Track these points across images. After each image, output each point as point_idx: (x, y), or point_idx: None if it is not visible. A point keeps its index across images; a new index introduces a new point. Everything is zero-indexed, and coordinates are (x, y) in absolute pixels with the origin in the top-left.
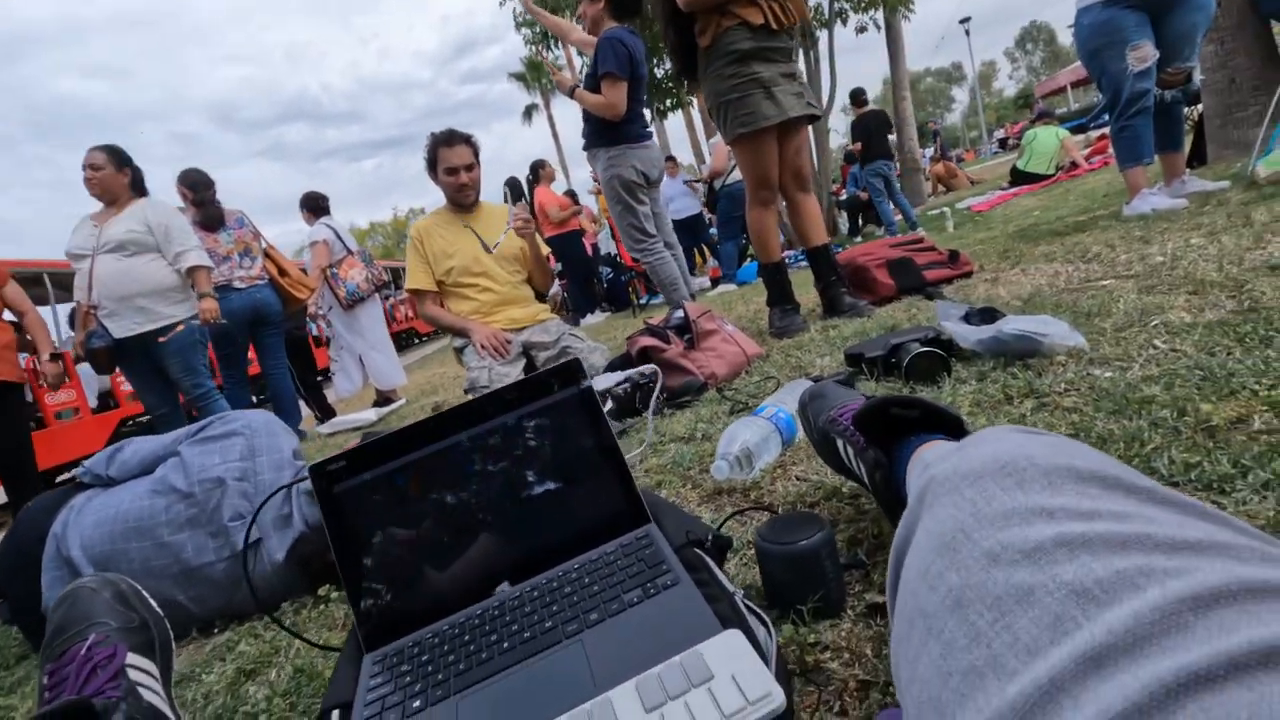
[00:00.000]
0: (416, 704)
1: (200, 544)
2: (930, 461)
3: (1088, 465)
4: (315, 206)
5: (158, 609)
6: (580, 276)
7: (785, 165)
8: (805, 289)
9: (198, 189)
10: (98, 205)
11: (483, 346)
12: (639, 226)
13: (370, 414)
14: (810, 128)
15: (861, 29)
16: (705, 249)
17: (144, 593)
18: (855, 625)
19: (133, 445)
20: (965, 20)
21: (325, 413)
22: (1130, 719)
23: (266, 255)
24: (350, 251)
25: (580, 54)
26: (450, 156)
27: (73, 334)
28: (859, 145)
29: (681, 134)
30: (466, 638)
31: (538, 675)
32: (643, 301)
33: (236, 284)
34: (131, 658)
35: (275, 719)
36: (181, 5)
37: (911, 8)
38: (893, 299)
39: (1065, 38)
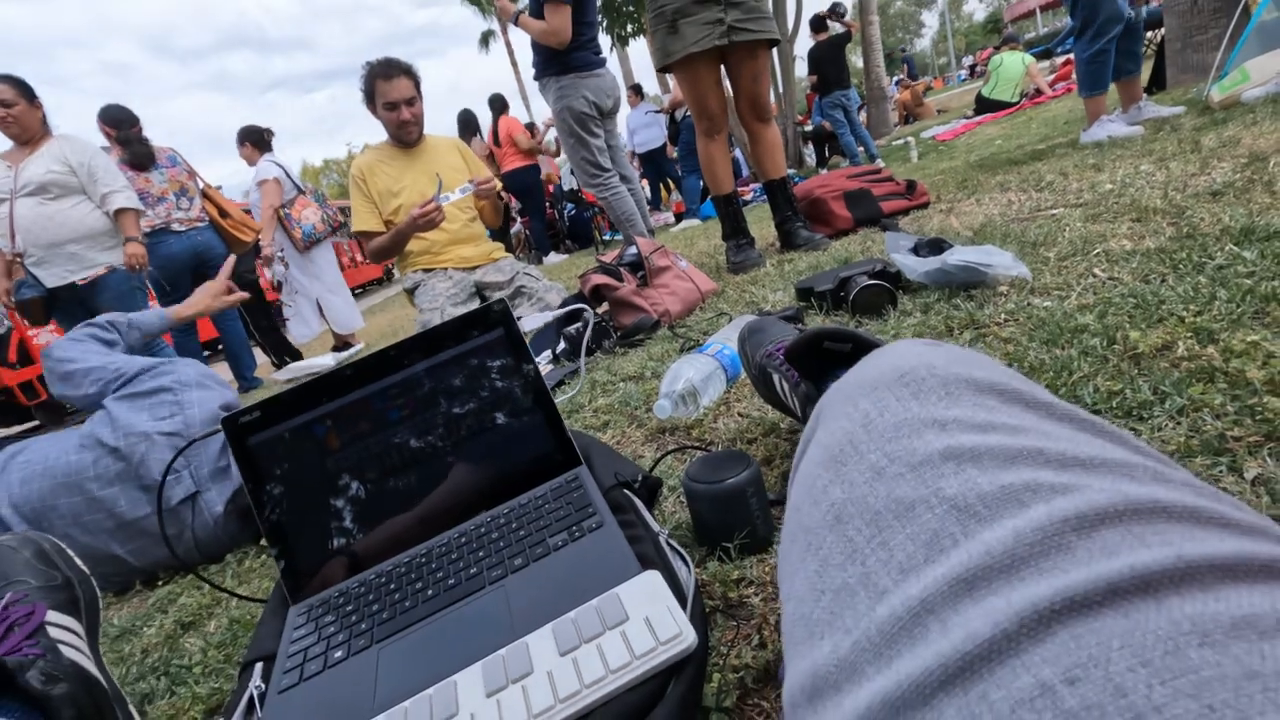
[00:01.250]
0: (339, 654)
1: (133, 498)
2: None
3: (987, 377)
4: (259, 140)
5: (83, 566)
6: (541, 212)
7: (741, 92)
8: (765, 223)
9: (121, 125)
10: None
11: (415, 218)
12: (592, 160)
13: (328, 359)
14: (774, 53)
15: None
16: (670, 182)
17: (68, 550)
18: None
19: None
20: None
21: (285, 356)
22: (998, 645)
23: (205, 196)
24: (301, 190)
25: None
26: (389, 90)
27: None
28: (814, 76)
29: (645, 62)
30: (392, 586)
31: (459, 622)
32: (606, 238)
33: (175, 226)
34: (52, 615)
35: (209, 670)
36: None
37: None
38: (849, 232)
39: None
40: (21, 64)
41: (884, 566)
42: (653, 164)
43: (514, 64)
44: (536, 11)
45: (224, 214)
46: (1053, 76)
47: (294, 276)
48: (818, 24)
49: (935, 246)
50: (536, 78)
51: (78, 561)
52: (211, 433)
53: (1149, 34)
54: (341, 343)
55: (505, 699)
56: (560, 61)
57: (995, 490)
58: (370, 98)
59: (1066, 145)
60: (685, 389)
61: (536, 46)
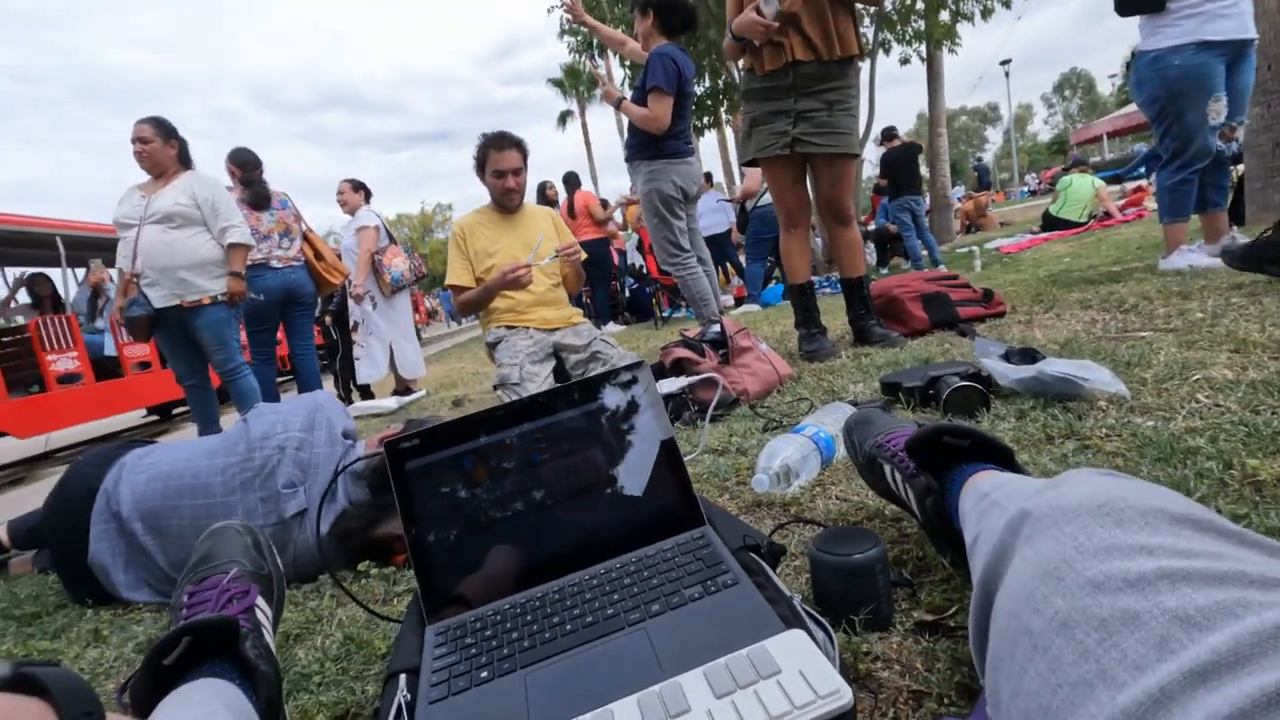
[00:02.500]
0: (484, 674)
1: (250, 506)
2: (989, 491)
3: (1180, 509)
4: (365, 191)
5: (280, 565)
6: (605, 283)
7: (820, 195)
8: (834, 314)
9: (247, 168)
10: (134, 172)
11: (506, 274)
12: (674, 241)
13: (391, 402)
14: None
15: (905, 60)
16: (730, 267)
17: (274, 548)
18: (905, 640)
19: None
20: (1005, 62)
21: (354, 391)
22: None
23: (305, 238)
24: (392, 240)
25: (623, 65)
26: (500, 160)
27: (76, 295)
28: (885, 179)
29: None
30: (528, 617)
31: (603, 657)
32: (665, 314)
33: (273, 263)
34: (260, 600)
35: (327, 681)
36: None
37: (958, 40)
38: (925, 333)
39: (1104, 87)
40: (146, 103)
41: (1119, 664)
42: (716, 248)
43: (587, 143)
44: (640, 99)
45: (319, 256)
46: (1123, 201)
47: (373, 319)
48: (888, 134)
49: (1027, 355)
50: (628, 159)
51: (279, 560)
52: (374, 456)
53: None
54: (403, 387)
55: None
56: (654, 147)
57: (1211, 604)
58: (481, 165)
59: (1143, 270)
60: (782, 466)
61: (633, 130)
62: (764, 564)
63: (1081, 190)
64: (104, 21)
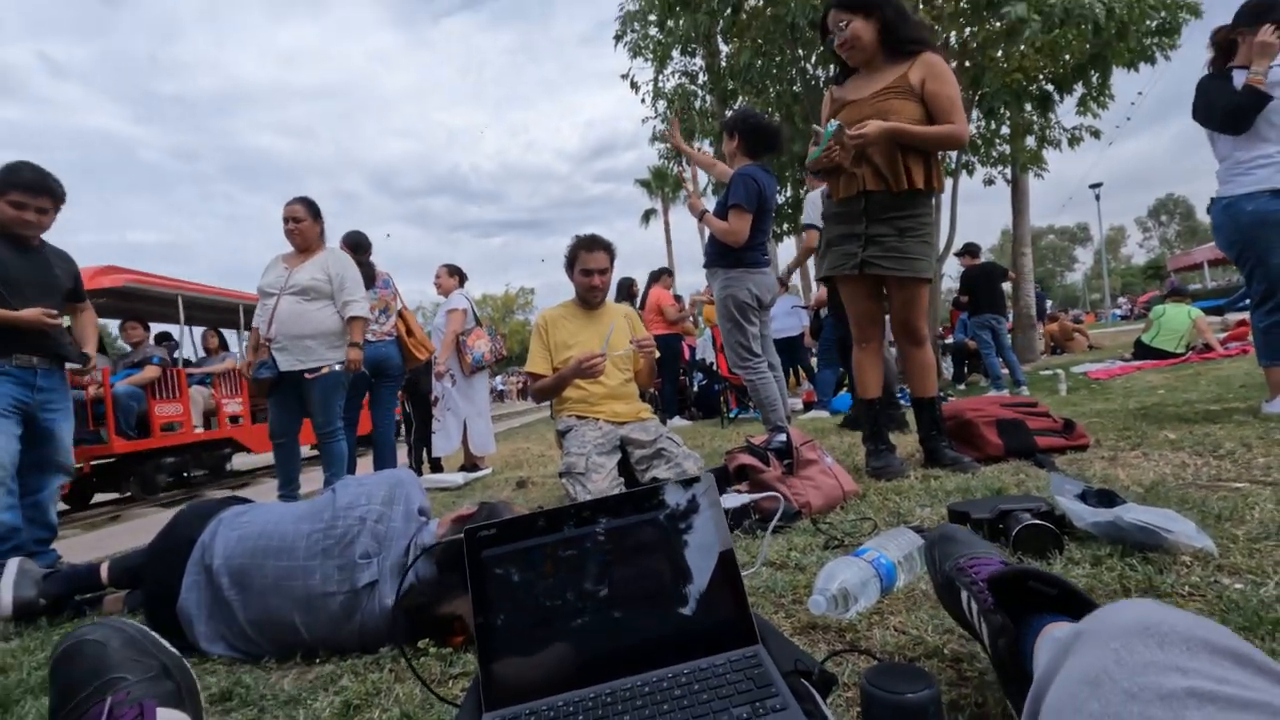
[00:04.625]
0: None
1: (327, 573)
2: (1061, 636)
3: (1223, 642)
4: (461, 276)
5: (174, 651)
6: (674, 378)
7: (894, 314)
8: (902, 430)
9: (358, 250)
10: (256, 241)
11: (581, 364)
12: (746, 345)
13: (458, 477)
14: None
15: (989, 182)
16: (802, 370)
17: (154, 634)
18: None
19: None
20: (1096, 186)
21: (425, 460)
22: None
23: (400, 315)
24: (479, 323)
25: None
26: (589, 260)
27: (189, 350)
28: (965, 297)
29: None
30: (581, 717)
31: None
32: (732, 414)
33: (369, 337)
34: (162, 713)
35: None
36: (370, 81)
37: (1044, 166)
38: (999, 460)
39: (1205, 214)
40: (281, 183)
41: None
42: (788, 351)
43: (668, 240)
44: (721, 213)
45: (409, 333)
46: (1225, 335)
47: (452, 395)
48: (969, 251)
49: (1106, 498)
50: (707, 265)
51: (167, 646)
52: (453, 539)
53: None
54: (471, 463)
55: None
56: (733, 256)
57: None
58: (571, 263)
59: (1244, 412)
60: (840, 590)
61: (713, 240)
62: (814, 691)
63: (1176, 320)
64: (261, 111)
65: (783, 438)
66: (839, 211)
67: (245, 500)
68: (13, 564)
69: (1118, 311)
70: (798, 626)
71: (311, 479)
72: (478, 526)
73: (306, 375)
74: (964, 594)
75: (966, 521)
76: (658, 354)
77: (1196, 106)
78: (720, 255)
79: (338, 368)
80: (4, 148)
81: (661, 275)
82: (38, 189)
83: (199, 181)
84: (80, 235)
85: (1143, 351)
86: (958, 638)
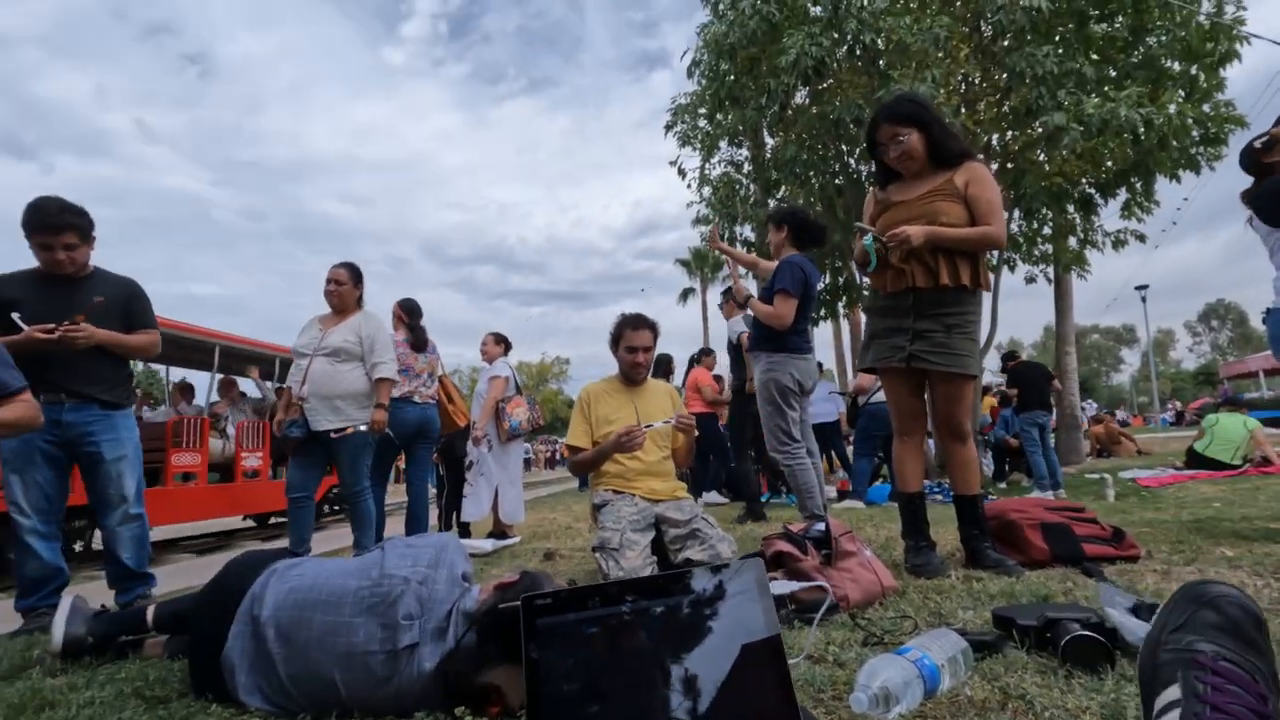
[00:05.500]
0: None
1: (370, 631)
2: None
3: None
4: (506, 345)
5: None
6: (707, 456)
7: (936, 412)
8: (944, 525)
9: (413, 315)
10: (308, 298)
11: (620, 437)
12: (786, 430)
13: (487, 544)
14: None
15: (1030, 280)
16: (836, 457)
17: None
18: None
19: None
20: (1142, 288)
21: (457, 531)
22: None
23: (440, 381)
24: (519, 391)
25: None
26: (634, 338)
27: (210, 398)
28: (1016, 390)
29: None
30: None
31: None
32: (764, 498)
33: (416, 398)
34: None
35: None
36: (430, 157)
37: (1087, 267)
38: (1044, 565)
39: (1258, 321)
40: (337, 245)
41: None
42: (824, 437)
43: (705, 319)
44: (766, 298)
45: (449, 399)
46: None
47: (486, 461)
48: (1010, 357)
49: None
50: (750, 349)
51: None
52: (503, 605)
53: None
54: (500, 530)
55: None
56: (777, 340)
57: None
58: (616, 340)
59: None
60: (881, 690)
61: (757, 324)
62: None
63: (1231, 430)
64: (327, 179)
65: (821, 527)
66: (887, 305)
67: (295, 553)
68: (67, 600)
69: (1166, 416)
70: None
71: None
72: (535, 595)
73: (333, 434)
74: (1173, 689)
75: (1011, 627)
76: (697, 432)
77: (1264, 208)
78: (764, 339)
79: (363, 428)
80: (91, 199)
81: (704, 356)
82: (60, 227)
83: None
84: (149, 284)
85: (1196, 460)
86: None
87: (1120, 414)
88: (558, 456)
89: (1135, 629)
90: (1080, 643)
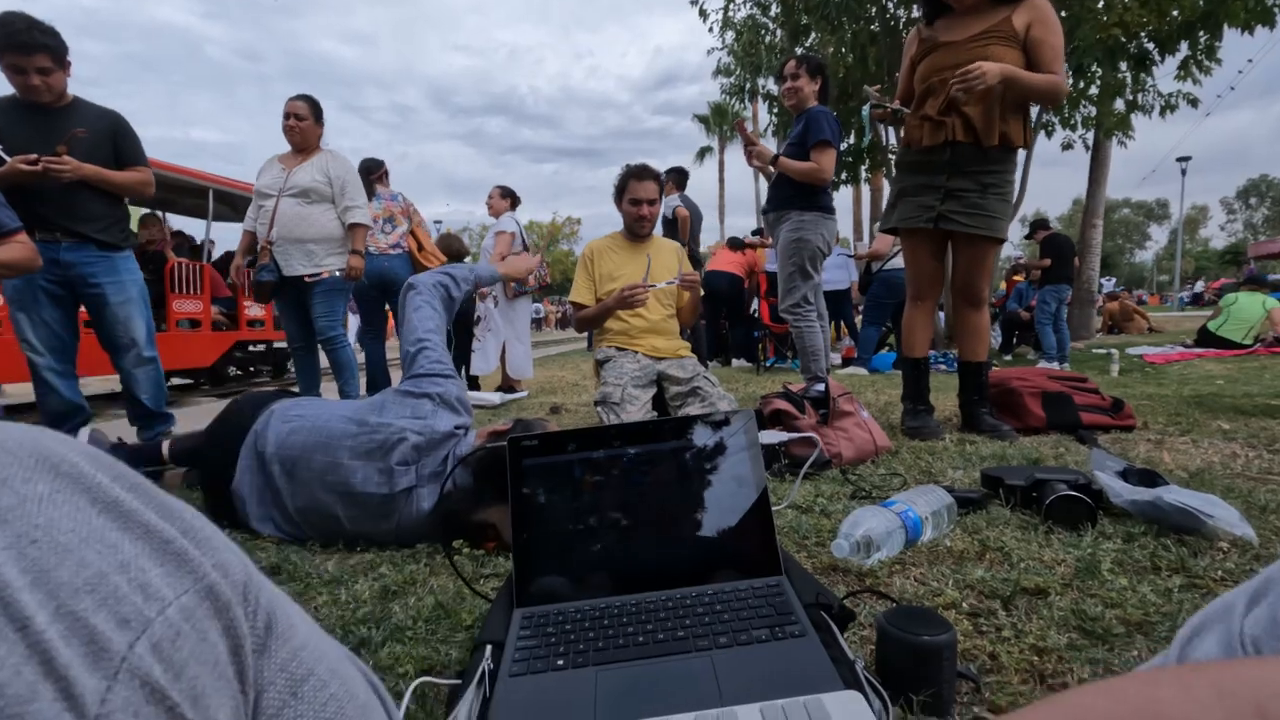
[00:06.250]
0: (561, 662)
1: (368, 475)
2: None
3: None
4: (513, 199)
5: None
6: (716, 322)
7: (956, 273)
8: (944, 393)
9: (369, 174)
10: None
11: (623, 294)
12: (804, 293)
13: (495, 397)
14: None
15: (1067, 146)
16: (844, 325)
17: None
18: None
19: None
20: (1184, 159)
21: (466, 384)
22: None
23: (412, 232)
24: (526, 247)
25: (770, 111)
26: (638, 189)
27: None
28: (1048, 261)
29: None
30: (606, 622)
31: (669, 673)
32: (768, 363)
33: (370, 248)
34: None
35: (418, 638)
36: None
37: (1130, 133)
38: (1039, 432)
39: None
40: (339, 89)
41: None
42: (834, 304)
43: (721, 180)
44: (798, 154)
45: (420, 248)
46: None
47: (493, 317)
48: (1040, 226)
49: (1147, 478)
50: (776, 208)
51: None
52: (496, 446)
53: None
54: (508, 385)
55: None
56: (811, 199)
57: None
58: (620, 192)
59: None
60: (864, 537)
61: (784, 181)
62: (833, 624)
63: (1248, 309)
64: (326, 15)
65: (820, 387)
66: (918, 160)
67: (295, 394)
68: (84, 433)
69: (1184, 296)
70: (819, 567)
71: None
72: (521, 436)
73: (306, 279)
74: None
75: (999, 488)
76: (702, 291)
77: None
78: (795, 198)
79: (338, 274)
80: (75, 32)
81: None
82: (30, 46)
83: (260, 82)
84: (146, 127)
85: (1206, 339)
86: (977, 594)
87: (1138, 293)
88: (568, 316)
89: (1122, 491)
90: (1064, 501)
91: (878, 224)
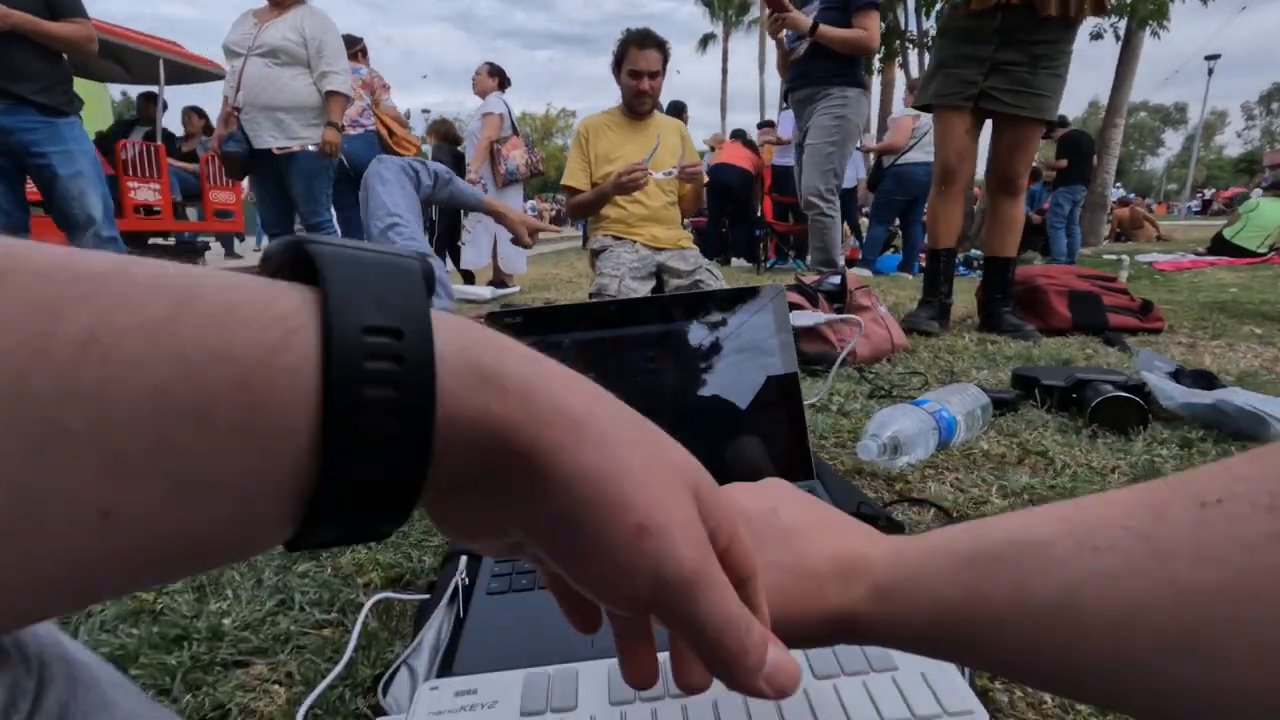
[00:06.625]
0: None
1: None
2: None
3: None
4: (501, 77)
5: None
6: (718, 219)
7: (994, 158)
8: (964, 294)
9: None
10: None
11: (621, 177)
12: (831, 183)
13: (485, 291)
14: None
15: (1097, 35)
16: (848, 225)
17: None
18: None
19: None
20: (1213, 58)
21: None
22: None
23: (376, 115)
24: (515, 132)
25: None
26: (639, 59)
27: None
28: (1064, 162)
29: None
30: None
31: None
32: (769, 263)
33: None
34: None
35: (387, 543)
36: None
37: (1166, 23)
38: (1063, 332)
39: None
40: None
41: None
42: (841, 203)
43: (724, 74)
44: (841, 21)
45: (390, 134)
46: None
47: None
48: (1059, 123)
49: (1203, 379)
50: (805, 86)
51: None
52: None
53: None
54: (500, 280)
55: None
56: (854, 74)
57: None
58: (619, 62)
59: None
60: (892, 439)
61: (820, 53)
62: None
63: (1269, 216)
64: None
65: (837, 279)
66: (964, 26)
67: None
68: None
69: (1193, 204)
70: (842, 470)
71: None
72: (502, 313)
73: (276, 151)
74: None
75: (1034, 389)
76: (706, 179)
77: None
78: (837, 72)
79: (312, 148)
80: None
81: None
82: None
83: None
84: (111, 4)
85: (1220, 247)
86: (1026, 503)
87: (1147, 200)
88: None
89: (1173, 393)
90: (1113, 403)
91: (890, 117)
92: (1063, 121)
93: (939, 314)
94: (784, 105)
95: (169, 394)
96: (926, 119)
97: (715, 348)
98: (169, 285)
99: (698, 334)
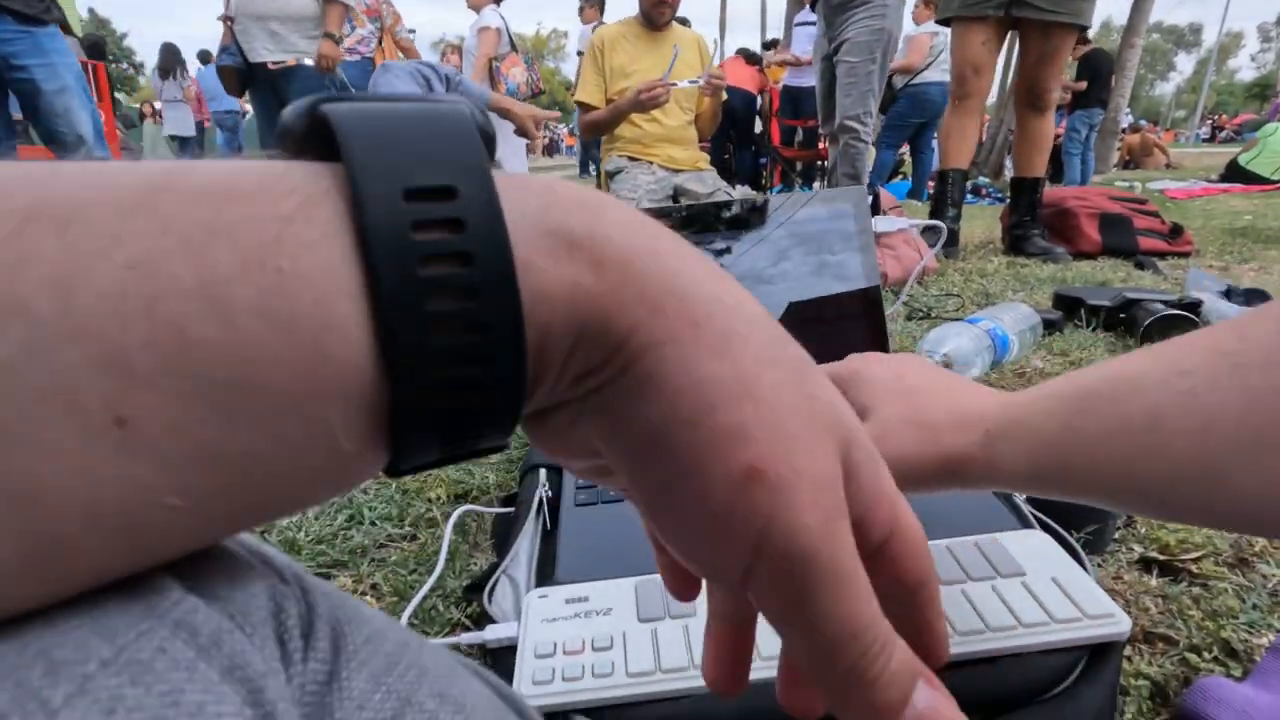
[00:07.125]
0: None
1: None
2: None
3: None
4: None
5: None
6: (722, 143)
7: (1022, 71)
8: (974, 220)
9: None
10: None
11: (640, 93)
12: (870, 105)
13: None
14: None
15: None
16: None
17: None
18: (1128, 572)
19: None
20: None
21: None
22: None
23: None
24: (514, 48)
25: None
26: None
27: None
28: (1083, 84)
29: None
30: None
31: None
32: (774, 191)
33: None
34: None
35: None
36: None
37: None
38: (1091, 256)
39: None
40: None
41: None
42: None
43: None
44: None
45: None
46: None
47: None
48: (1078, 43)
49: (1257, 297)
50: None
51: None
52: None
53: None
54: None
55: None
56: None
57: None
58: None
59: None
60: (946, 356)
61: None
62: None
63: None
64: None
65: (870, 197)
66: None
67: None
68: None
69: (1200, 132)
70: None
71: None
72: None
73: (271, 65)
74: None
75: (1080, 309)
76: (725, 95)
77: None
78: None
79: (308, 62)
80: None
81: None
82: None
83: None
84: None
85: (1234, 174)
86: None
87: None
88: (559, 144)
89: (1228, 313)
90: (1165, 322)
91: (904, 34)
92: (1084, 38)
93: (946, 240)
94: (796, 21)
95: (156, 272)
96: (944, 36)
97: (791, 255)
98: (146, 168)
99: (773, 240)
